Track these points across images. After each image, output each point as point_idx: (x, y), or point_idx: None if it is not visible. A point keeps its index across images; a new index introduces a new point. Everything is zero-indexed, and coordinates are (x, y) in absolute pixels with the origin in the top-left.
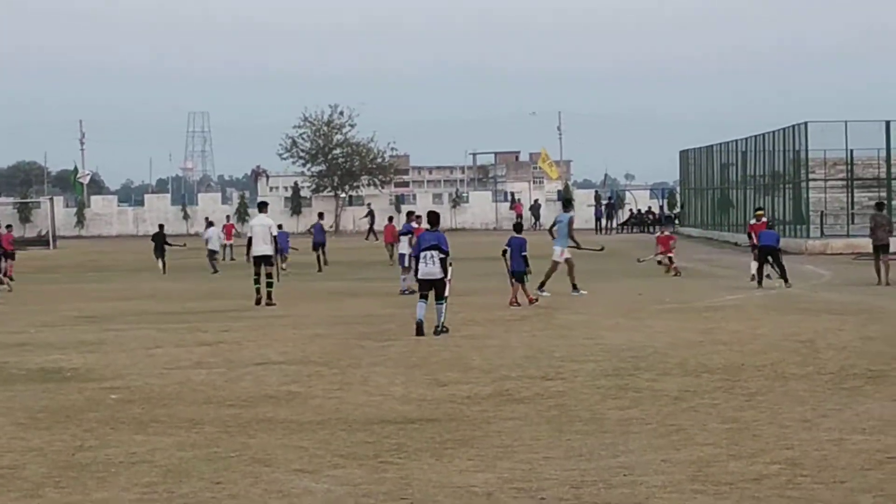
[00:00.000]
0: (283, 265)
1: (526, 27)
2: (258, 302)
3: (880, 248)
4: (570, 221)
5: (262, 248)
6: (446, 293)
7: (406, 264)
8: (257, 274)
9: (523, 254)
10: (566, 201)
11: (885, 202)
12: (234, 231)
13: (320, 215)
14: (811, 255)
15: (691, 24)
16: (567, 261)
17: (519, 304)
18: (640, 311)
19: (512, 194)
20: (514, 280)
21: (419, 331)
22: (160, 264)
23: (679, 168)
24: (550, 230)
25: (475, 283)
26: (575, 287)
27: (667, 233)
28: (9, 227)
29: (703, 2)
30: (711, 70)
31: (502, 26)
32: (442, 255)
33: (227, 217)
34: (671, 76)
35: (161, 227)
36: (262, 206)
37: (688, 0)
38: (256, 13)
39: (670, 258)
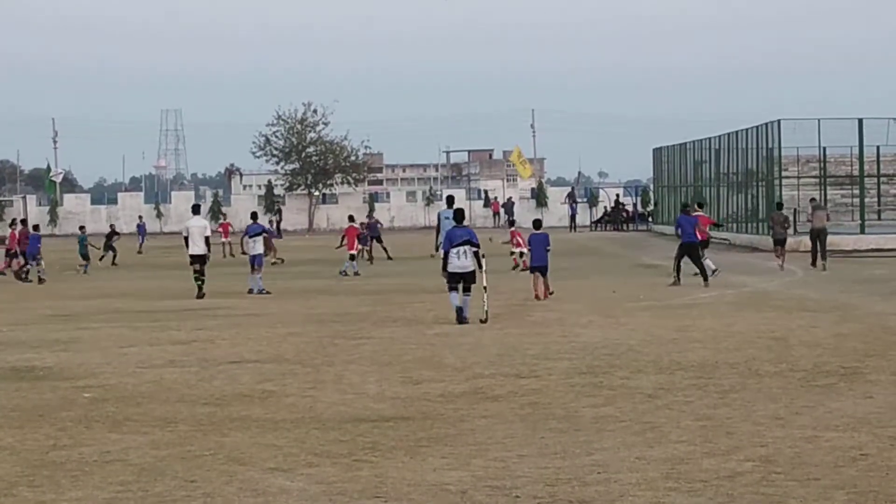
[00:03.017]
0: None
1: (500, 27)
2: (199, 296)
3: (778, 242)
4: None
5: (199, 247)
6: (484, 283)
7: (258, 264)
8: (196, 271)
9: (547, 248)
10: (449, 198)
11: (782, 202)
12: (230, 229)
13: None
14: (786, 253)
15: (665, 27)
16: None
17: (542, 298)
18: (614, 309)
19: (486, 192)
20: (538, 273)
21: (461, 319)
22: (100, 258)
23: (652, 166)
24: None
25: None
26: None
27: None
28: (12, 225)
29: (676, 6)
30: (685, 71)
31: (476, 26)
32: (475, 249)
33: (224, 216)
34: (645, 75)
35: (112, 226)
36: (196, 209)
37: (661, 4)
38: (229, 12)
39: (521, 252)
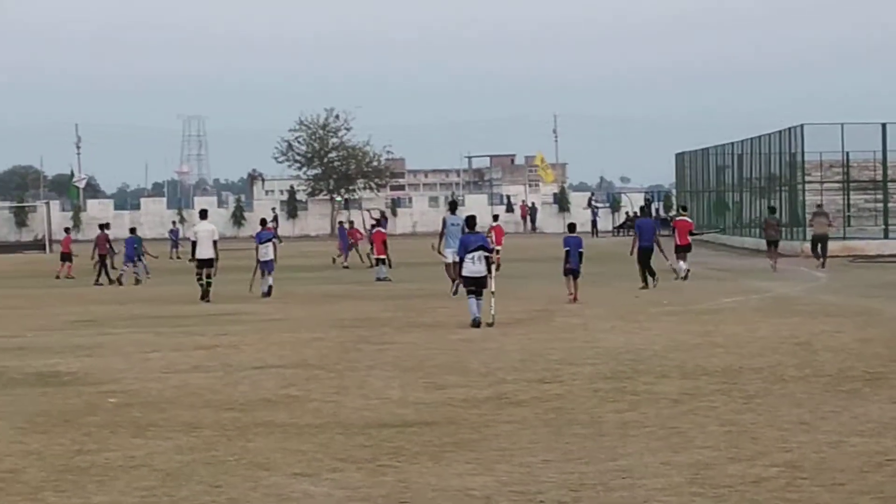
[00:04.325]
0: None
1: (521, 31)
2: (203, 297)
3: (772, 244)
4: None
5: (207, 251)
6: (492, 288)
7: (269, 270)
8: (200, 275)
9: (580, 250)
10: (452, 204)
11: (776, 207)
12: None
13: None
14: (808, 258)
15: (686, 27)
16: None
17: (576, 301)
18: (637, 314)
19: (508, 197)
20: (571, 277)
21: (476, 325)
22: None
23: (675, 171)
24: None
25: None
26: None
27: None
28: (67, 230)
29: (697, 6)
30: (707, 73)
31: (497, 30)
32: (487, 255)
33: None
34: (667, 79)
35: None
36: (204, 214)
37: (682, 4)
38: (252, 18)
39: (498, 249)
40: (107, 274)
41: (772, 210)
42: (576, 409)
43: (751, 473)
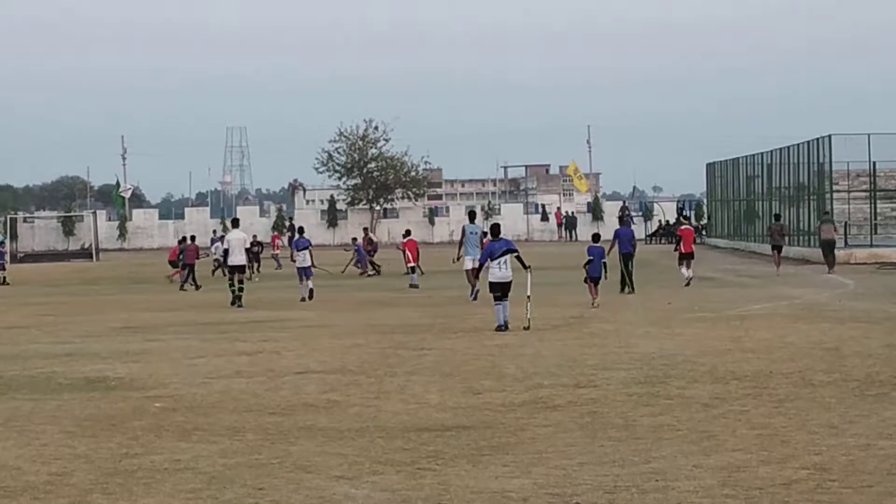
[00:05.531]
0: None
1: (555, 39)
2: (233, 303)
3: (776, 248)
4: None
5: (239, 258)
6: (528, 292)
7: (307, 275)
8: (232, 281)
9: (603, 260)
10: (471, 213)
11: (780, 214)
12: (279, 242)
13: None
14: (836, 265)
15: (715, 31)
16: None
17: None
18: (669, 320)
19: (543, 206)
20: (593, 284)
21: (501, 329)
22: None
23: (706, 180)
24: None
25: None
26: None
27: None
28: (180, 241)
29: (730, 9)
30: (735, 80)
31: (532, 39)
32: (516, 254)
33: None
34: (699, 87)
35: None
36: (236, 223)
37: (714, 8)
38: (292, 28)
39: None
40: (193, 280)
41: (776, 217)
42: (610, 412)
43: (781, 476)
